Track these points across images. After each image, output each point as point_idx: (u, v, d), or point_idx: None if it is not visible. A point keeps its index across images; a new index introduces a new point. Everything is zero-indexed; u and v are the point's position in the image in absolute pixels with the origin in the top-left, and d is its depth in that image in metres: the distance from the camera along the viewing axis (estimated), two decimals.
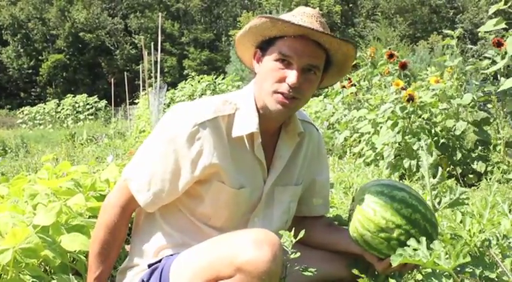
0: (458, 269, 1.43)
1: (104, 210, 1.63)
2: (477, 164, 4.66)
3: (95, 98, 24.65)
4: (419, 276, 1.79)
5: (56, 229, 1.98)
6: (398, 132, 4.86)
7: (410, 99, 4.73)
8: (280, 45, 1.53)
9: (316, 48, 1.53)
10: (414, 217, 1.52)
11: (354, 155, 6.11)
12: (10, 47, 48.55)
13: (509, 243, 1.66)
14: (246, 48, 1.67)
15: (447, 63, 5.17)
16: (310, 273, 1.57)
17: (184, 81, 15.88)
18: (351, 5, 55.10)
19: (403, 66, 5.55)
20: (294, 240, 1.50)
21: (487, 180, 4.27)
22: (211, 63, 48.96)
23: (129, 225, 1.74)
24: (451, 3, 51.20)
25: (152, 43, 12.83)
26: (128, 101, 17.78)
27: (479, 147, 4.89)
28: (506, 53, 4.65)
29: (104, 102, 24.19)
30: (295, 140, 1.70)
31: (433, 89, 5.15)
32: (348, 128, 6.75)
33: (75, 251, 2.01)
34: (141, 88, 14.91)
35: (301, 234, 1.51)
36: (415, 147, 4.57)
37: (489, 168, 4.57)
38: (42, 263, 2.06)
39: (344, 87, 6.94)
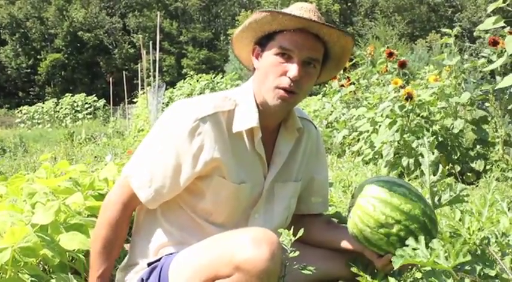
0: (458, 267, 1.42)
1: (105, 208, 1.63)
2: (476, 163, 4.66)
3: (94, 97, 24.62)
4: (418, 275, 1.79)
5: (54, 228, 1.98)
6: (396, 131, 4.86)
7: (409, 97, 4.73)
8: (280, 39, 1.54)
9: (315, 41, 1.54)
10: (414, 213, 1.53)
11: (352, 153, 6.12)
12: (8, 46, 48.49)
13: (508, 241, 1.66)
14: (244, 45, 1.67)
15: (445, 62, 5.17)
16: (309, 272, 1.57)
17: (182, 80, 15.87)
18: (349, 4, 55.12)
19: (402, 64, 5.55)
20: (293, 239, 1.50)
21: (485, 178, 4.27)
22: (210, 62, 48.96)
23: (130, 224, 1.73)
24: (449, 1, 51.26)
25: (151, 42, 12.83)
26: (126, 100, 17.78)
27: (478, 146, 4.89)
28: (502, 51, 4.65)
29: (102, 102, 24.17)
30: (294, 136, 1.71)
31: (432, 88, 5.15)
32: (347, 127, 6.76)
33: (74, 250, 2.01)
34: (139, 87, 14.89)
35: (301, 232, 1.51)
36: (413, 146, 4.58)
37: (488, 167, 4.57)
38: (41, 262, 2.06)
39: (342, 85, 6.94)
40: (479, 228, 1.71)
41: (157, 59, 10.46)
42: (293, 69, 1.51)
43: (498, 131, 4.75)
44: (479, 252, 1.51)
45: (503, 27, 4.54)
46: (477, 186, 4.23)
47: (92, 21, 50.95)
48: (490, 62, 4.76)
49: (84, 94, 25.29)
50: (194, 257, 1.50)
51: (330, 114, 7.79)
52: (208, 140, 1.52)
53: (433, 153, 1.70)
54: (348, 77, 7.03)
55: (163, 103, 11.96)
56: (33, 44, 49.52)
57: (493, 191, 1.85)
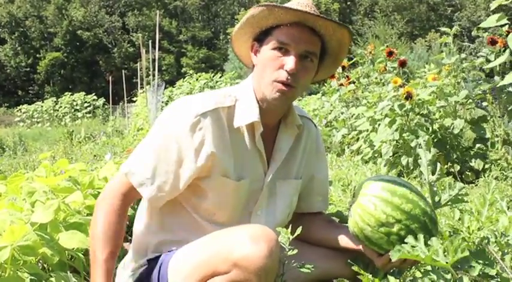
0: (459, 266, 1.43)
1: (102, 199, 1.60)
2: (475, 162, 4.66)
3: (93, 96, 24.60)
4: (418, 274, 1.79)
5: (54, 227, 1.98)
6: (396, 130, 4.87)
7: (409, 96, 4.73)
8: (277, 33, 1.55)
9: (312, 34, 1.56)
10: (414, 212, 1.53)
11: (352, 152, 6.12)
12: (8, 45, 48.47)
13: (508, 240, 1.66)
14: (242, 43, 1.68)
15: (444, 61, 5.18)
16: (307, 270, 1.57)
17: (182, 79, 15.87)
18: (348, 3, 55.14)
19: (403, 63, 5.55)
20: (291, 237, 1.50)
21: (484, 177, 4.27)
22: (209, 61, 48.96)
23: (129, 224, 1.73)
24: (448, 0, 51.27)
25: (150, 41, 12.81)
26: (125, 99, 17.78)
27: (477, 145, 4.89)
28: (500, 51, 4.65)
29: (101, 100, 24.15)
30: (294, 133, 1.72)
31: (431, 87, 5.15)
32: (346, 126, 6.76)
33: (73, 249, 2.01)
34: (139, 86, 14.88)
35: (299, 230, 1.52)
36: (412, 145, 4.58)
37: (487, 166, 4.57)
38: (40, 261, 2.05)
39: (342, 84, 6.94)
40: (478, 228, 1.72)
41: (156, 57, 10.45)
42: (290, 62, 1.52)
43: (497, 130, 4.76)
44: (478, 251, 1.52)
45: (502, 26, 4.54)
46: (476, 185, 4.24)
47: (91, 20, 50.93)
48: (488, 61, 4.76)
49: (83, 93, 25.26)
50: (193, 253, 1.50)
51: (329, 113, 7.79)
52: (210, 135, 1.53)
53: (429, 151, 1.70)
54: (348, 76, 7.03)
55: (162, 102, 11.95)
56: (33, 43, 49.48)
57: (493, 191, 1.85)
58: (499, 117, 4.79)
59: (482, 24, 3.86)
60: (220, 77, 14.84)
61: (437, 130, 4.91)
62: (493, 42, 4.64)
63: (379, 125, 5.35)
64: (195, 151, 1.52)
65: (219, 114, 1.56)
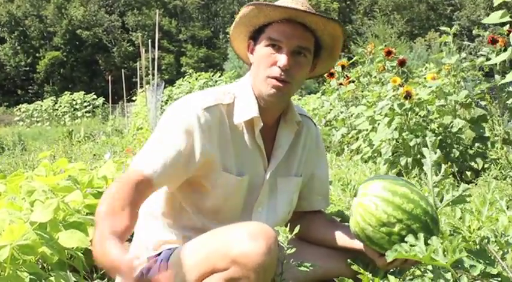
0: (459, 265, 1.43)
1: (107, 192, 1.40)
2: (474, 161, 4.66)
3: (93, 95, 24.63)
4: (418, 273, 1.79)
5: (53, 226, 1.98)
6: (395, 129, 4.86)
7: (408, 96, 4.72)
8: (269, 31, 1.58)
9: (303, 30, 1.57)
10: (416, 212, 1.53)
11: (351, 151, 6.12)
12: (7, 44, 48.50)
13: (507, 240, 1.66)
14: (240, 42, 1.71)
15: (444, 60, 5.17)
16: (305, 269, 1.57)
17: (181, 79, 15.87)
18: (348, 2, 55.17)
19: (402, 63, 5.54)
20: (289, 236, 1.51)
21: (484, 176, 4.27)
22: (209, 61, 48.99)
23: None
24: (448, 0, 51.27)
25: (149, 40, 12.82)
26: (125, 99, 17.79)
27: (477, 144, 4.89)
28: (501, 50, 4.64)
29: (101, 100, 24.18)
30: (294, 129, 1.73)
31: (431, 86, 5.15)
32: (345, 125, 6.76)
33: (72, 248, 2.01)
34: (138, 85, 14.89)
35: (297, 229, 1.52)
36: (412, 144, 4.58)
37: (486, 165, 4.57)
38: (40, 260, 2.06)
39: (341, 84, 6.94)
40: (479, 227, 1.72)
41: (156, 57, 10.45)
42: (282, 59, 1.54)
43: (496, 129, 4.75)
44: (479, 250, 1.51)
45: (502, 26, 4.54)
46: (476, 184, 4.24)
47: (90, 19, 50.94)
48: (488, 60, 4.76)
49: (83, 92, 25.30)
50: (192, 251, 1.51)
51: (329, 113, 7.78)
52: (213, 128, 1.55)
53: (435, 152, 1.70)
54: (347, 76, 7.03)
55: (162, 101, 11.95)
56: (32, 42, 49.49)
57: (493, 191, 1.85)
58: (499, 116, 4.78)
59: (485, 20, 3.85)
60: (219, 76, 14.84)
61: (437, 129, 4.91)
62: (493, 42, 4.64)
63: (378, 124, 5.34)
64: (202, 144, 1.52)
65: (220, 110, 1.58)
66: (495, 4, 3.64)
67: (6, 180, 2.79)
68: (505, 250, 1.64)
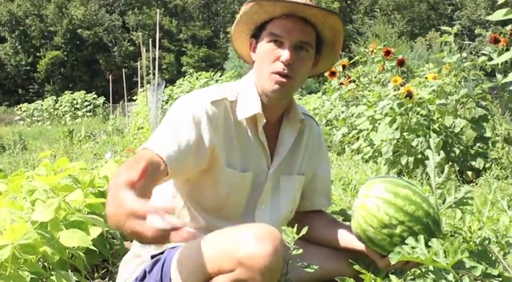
0: (460, 266, 1.42)
1: (115, 178, 1.21)
2: (475, 161, 4.66)
3: (93, 94, 24.62)
4: (419, 272, 1.79)
5: (54, 225, 1.98)
6: (396, 129, 4.86)
7: (409, 95, 4.72)
8: (270, 27, 1.59)
9: (304, 25, 1.58)
10: (417, 214, 1.52)
11: (352, 151, 6.12)
12: (8, 43, 48.53)
13: (509, 240, 1.66)
14: (242, 41, 1.71)
15: (445, 60, 5.17)
16: (311, 270, 1.57)
17: (182, 78, 15.85)
18: (349, 2, 55.17)
19: (401, 63, 5.54)
20: (296, 237, 1.51)
21: (485, 176, 4.27)
22: (210, 60, 49.00)
23: None
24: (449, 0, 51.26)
25: (150, 40, 12.79)
26: (126, 98, 17.77)
27: (478, 144, 4.88)
28: (503, 49, 4.64)
29: (102, 99, 24.17)
30: (296, 127, 1.74)
31: (431, 86, 5.14)
32: (346, 125, 6.76)
33: (73, 247, 2.01)
34: (139, 85, 14.87)
35: (304, 230, 1.52)
36: (413, 144, 4.57)
37: (487, 165, 4.57)
38: (41, 259, 2.06)
39: (342, 83, 6.94)
40: (479, 228, 1.71)
41: (156, 56, 10.43)
42: (285, 53, 1.54)
43: (497, 128, 4.75)
44: (480, 251, 1.51)
45: (503, 25, 4.54)
46: (477, 184, 4.24)
47: (91, 19, 50.96)
48: (490, 60, 4.76)
49: (83, 92, 25.30)
50: (197, 251, 1.50)
51: (330, 112, 7.78)
52: (220, 121, 1.56)
53: (438, 154, 1.70)
54: (348, 76, 7.03)
55: (162, 101, 11.93)
56: (33, 42, 49.52)
57: (494, 191, 1.85)
58: (500, 115, 4.78)
59: (489, 17, 3.84)
60: (220, 76, 14.83)
61: (438, 129, 4.90)
62: (495, 41, 4.64)
63: (379, 124, 5.34)
64: (210, 136, 1.52)
65: (226, 105, 1.59)
66: (499, 2, 3.64)
67: (7, 179, 2.79)
68: (506, 250, 1.64)
